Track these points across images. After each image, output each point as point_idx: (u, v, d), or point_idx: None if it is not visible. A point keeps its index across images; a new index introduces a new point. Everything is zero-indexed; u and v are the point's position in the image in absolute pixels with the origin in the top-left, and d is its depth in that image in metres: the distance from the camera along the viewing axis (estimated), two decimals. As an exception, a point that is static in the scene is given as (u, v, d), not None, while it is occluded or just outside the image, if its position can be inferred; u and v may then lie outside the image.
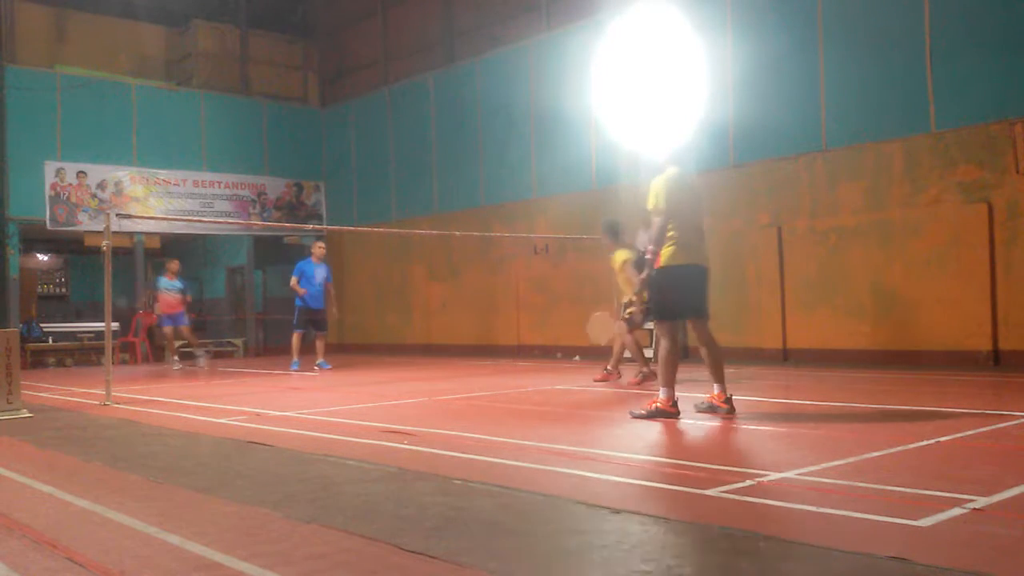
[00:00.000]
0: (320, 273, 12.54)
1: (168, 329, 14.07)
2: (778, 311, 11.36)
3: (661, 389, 5.86)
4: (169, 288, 13.97)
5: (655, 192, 5.93)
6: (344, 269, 19.07)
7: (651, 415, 5.77)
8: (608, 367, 9.24)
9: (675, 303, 5.92)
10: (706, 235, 6.16)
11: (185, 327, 14.15)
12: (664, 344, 5.87)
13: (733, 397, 6.00)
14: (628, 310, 8.81)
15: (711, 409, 5.95)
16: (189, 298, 14.32)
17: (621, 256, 8.76)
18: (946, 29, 10.03)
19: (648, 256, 5.98)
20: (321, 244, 12.78)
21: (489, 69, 15.78)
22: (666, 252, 5.88)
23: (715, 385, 5.98)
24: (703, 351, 6.09)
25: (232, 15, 19.28)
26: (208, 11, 19.08)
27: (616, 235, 8.95)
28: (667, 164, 6.06)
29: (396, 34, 18.63)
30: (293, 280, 12.46)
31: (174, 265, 14.21)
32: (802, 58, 11.24)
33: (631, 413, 5.96)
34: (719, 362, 5.99)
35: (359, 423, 6.22)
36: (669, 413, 5.77)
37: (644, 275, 6.26)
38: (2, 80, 15.41)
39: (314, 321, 12.66)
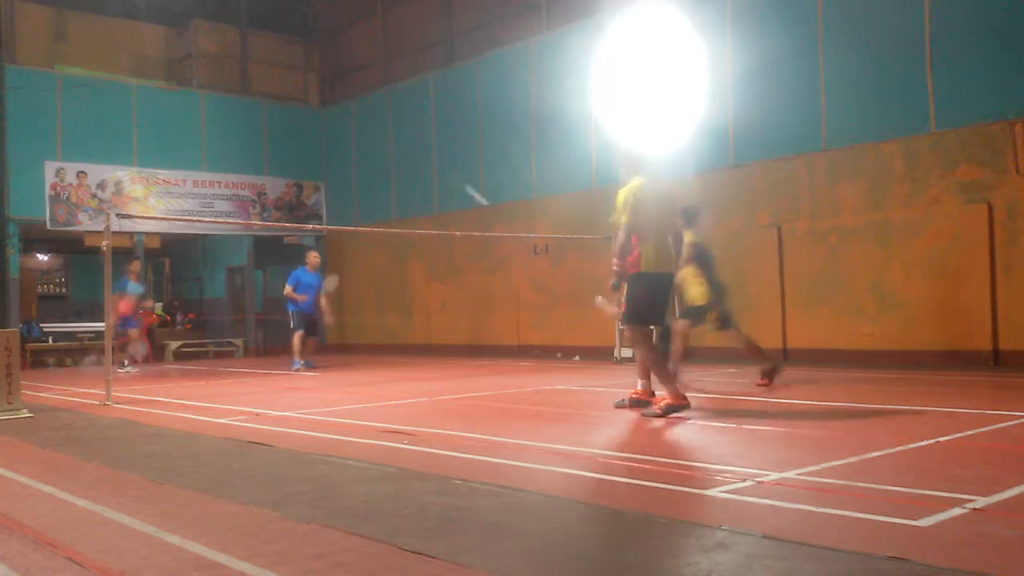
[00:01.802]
0: (315, 281, 12.80)
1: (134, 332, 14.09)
2: (778, 311, 11.35)
3: (665, 387, 5.96)
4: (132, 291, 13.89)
5: (621, 205, 6.03)
6: (344, 269, 19.06)
7: (665, 412, 5.86)
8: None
9: (648, 308, 6.08)
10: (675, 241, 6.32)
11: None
12: (644, 347, 6.10)
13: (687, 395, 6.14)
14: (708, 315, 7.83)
15: (633, 404, 6.37)
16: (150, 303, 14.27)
17: (687, 237, 7.81)
18: (946, 29, 10.02)
19: (615, 268, 6.09)
20: (315, 253, 13.17)
21: (489, 69, 15.78)
22: (642, 258, 6.03)
23: (640, 382, 6.40)
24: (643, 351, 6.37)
25: (232, 15, 19.27)
26: (208, 11, 19.06)
27: (691, 220, 7.86)
28: (630, 175, 6.16)
29: (396, 34, 18.62)
30: (288, 289, 12.65)
31: (135, 266, 14.11)
32: (802, 58, 11.23)
33: (643, 413, 6.05)
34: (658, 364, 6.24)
35: (359, 423, 6.22)
36: (681, 406, 5.87)
37: (612, 284, 6.40)
38: (2, 80, 15.40)
39: (308, 323, 12.86)
